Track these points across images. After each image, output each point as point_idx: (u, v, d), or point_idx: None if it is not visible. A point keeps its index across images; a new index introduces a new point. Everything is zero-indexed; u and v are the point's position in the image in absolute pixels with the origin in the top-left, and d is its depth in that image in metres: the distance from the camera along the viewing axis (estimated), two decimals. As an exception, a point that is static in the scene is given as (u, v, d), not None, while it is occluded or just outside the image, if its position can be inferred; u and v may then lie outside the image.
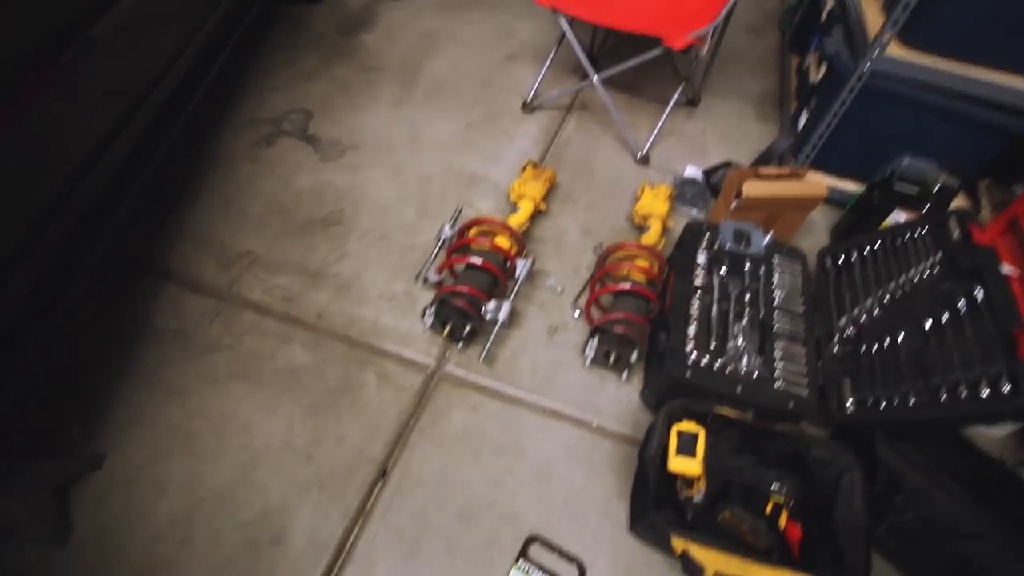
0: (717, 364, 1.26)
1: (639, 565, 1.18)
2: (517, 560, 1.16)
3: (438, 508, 1.22)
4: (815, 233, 1.86)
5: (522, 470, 1.29)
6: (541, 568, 1.15)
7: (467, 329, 1.40)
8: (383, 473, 1.27)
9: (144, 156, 1.38)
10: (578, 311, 1.56)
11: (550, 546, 1.18)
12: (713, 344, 1.30)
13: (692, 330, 1.32)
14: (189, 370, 1.39)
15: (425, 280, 1.47)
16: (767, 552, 1.15)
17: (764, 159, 2.00)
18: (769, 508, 1.18)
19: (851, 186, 1.90)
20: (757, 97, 2.38)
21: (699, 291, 1.39)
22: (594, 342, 1.38)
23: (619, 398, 1.42)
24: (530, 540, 1.19)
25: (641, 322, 1.38)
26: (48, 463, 1.19)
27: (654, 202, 1.73)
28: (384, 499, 1.23)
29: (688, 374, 1.24)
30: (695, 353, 1.27)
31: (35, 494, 1.12)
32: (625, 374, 1.42)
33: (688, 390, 1.25)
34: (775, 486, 1.24)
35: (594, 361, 1.43)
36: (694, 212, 1.86)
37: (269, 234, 1.67)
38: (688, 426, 1.16)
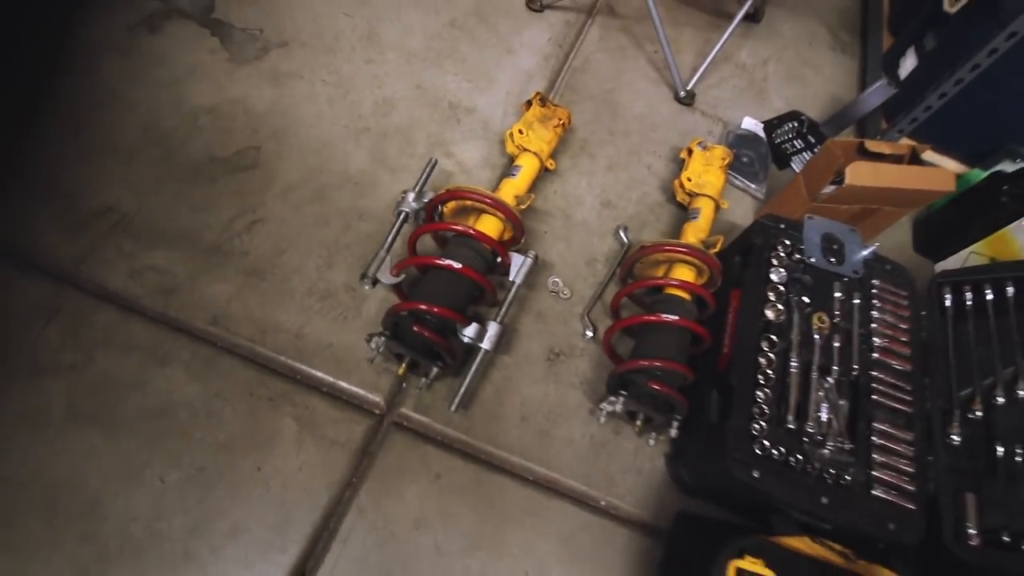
0: (795, 457, 0.87)
1: None
2: None
3: (378, 642, 0.86)
4: (894, 225, 1.41)
5: (501, 577, 0.92)
6: None
7: (434, 372, 0.95)
8: (299, 582, 0.88)
9: None
10: (590, 330, 1.12)
11: None
12: (790, 421, 0.90)
13: (761, 396, 0.91)
14: (8, 403, 0.91)
15: (375, 283, 0.99)
16: None
17: (845, 116, 1.49)
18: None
19: (953, 166, 1.44)
20: (835, 16, 1.81)
21: (772, 332, 0.97)
22: (617, 400, 0.95)
23: (638, 464, 1.04)
24: None
25: (685, 372, 0.96)
26: None
27: (706, 172, 1.23)
28: (299, 625, 0.85)
29: (756, 475, 0.84)
30: (765, 440, 0.87)
31: None
32: (652, 438, 1.02)
33: (749, 492, 0.86)
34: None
35: (612, 414, 1.01)
36: (752, 187, 1.38)
37: (144, 179, 1.12)
38: (752, 565, 0.78)
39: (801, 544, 0.81)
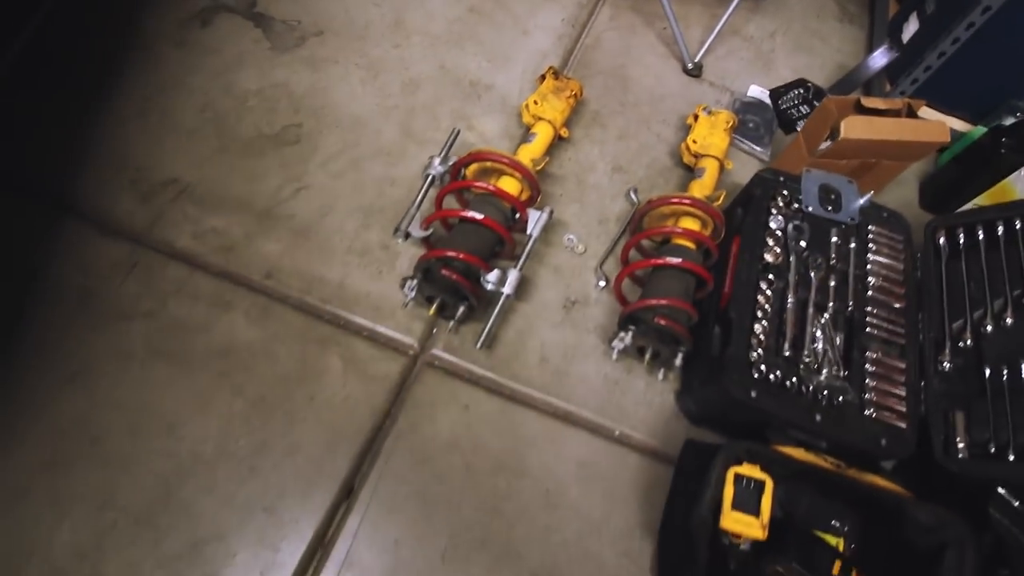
0: (791, 380, 0.96)
1: (665, 624, 0.96)
2: (514, 616, 0.93)
3: (416, 543, 0.97)
4: (901, 184, 1.47)
5: (524, 494, 1.02)
6: (544, 627, 0.92)
7: (460, 311, 1.07)
8: (348, 493, 1.00)
9: None
10: (604, 280, 1.22)
11: (556, 595, 0.95)
12: (786, 350, 0.98)
13: (759, 328, 0.99)
14: (96, 343, 1.06)
15: (407, 236, 1.11)
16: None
17: (850, 81, 1.56)
18: (836, 568, 0.94)
19: (958, 125, 1.48)
20: (843, -11, 1.85)
21: (771, 272, 1.05)
22: (627, 335, 1.05)
23: (649, 399, 1.13)
24: (531, 587, 0.95)
25: (688, 309, 1.05)
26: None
27: (711, 134, 1.32)
28: (348, 529, 0.97)
29: (754, 395, 0.93)
30: (763, 365, 0.96)
31: None
32: (661, 372, 1.12)
33: (748, 413, 0.95)
34: (835, 523, 0.99)
35: (623, 352, 1.11)
36: (757, 149, 1.45)
37: (202, 154, 1.26)
38: (750, 471, 0.87)
39: (795, 452, 0.90)
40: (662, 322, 1.02)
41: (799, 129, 1.50)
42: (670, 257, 1.08)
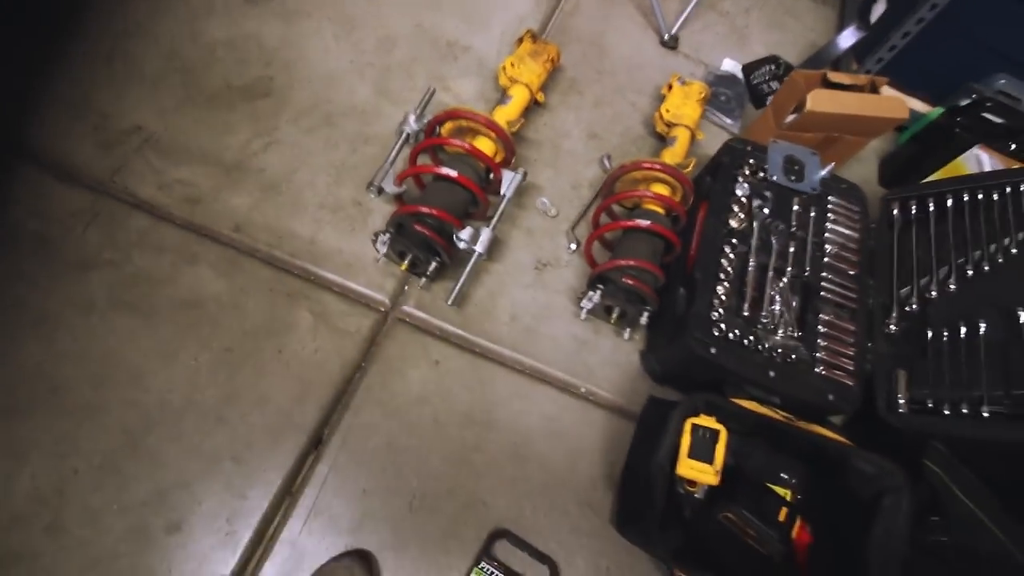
0: (748, 339, 1.00)
1: (623, 568, 1.00)
2: (479, 560, 0.96)
3: (385, 492, 0.99)
4: (862, 161, 1.53)
5: (492, 446, 1.05)
6: (507, 571, 0.96)
7: (432, 266, 1.07)
8: (316, 444, 1.01)
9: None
10: (575, 244, 1.24)
11: (520, 542, 0.98)
12: (746, 311, 1.02)
13: (721, 290, 1.03)
14: (55, 291, 1.03)
15: (380, 191, 1.10)
16: (774, 559, 0.98)
17: (820, 59, 1.59)
18: (783, 515, 0.99)
19: (919, 106, 1.54)
20: (818, -31, 1.88)
21: (735, 237, 1.08)
22: (595, 294, 1.08)
23: (615, 359, 1.16)
24: (496, 535, 0.98)
25: (655, 271, 1.08)
26: None
27: (684, 104, 1.34)
28: (317, 477, 0.98)
29: (714, 351, 0.97)
30: (723, 324, 1.00)
31: None
32: (627, 333, 1.15)
33: (708, 369, 0.99)
34: (784, 475, 1.05)
35: (591, 312, 1.14)
36: (727, 122, 1.48)
37: (169, 103, 1.23)
38: (706, 421, 0.91)
39: (750, 405, 0.94)
40: (629, 282, 1.05)
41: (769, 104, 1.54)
42: (639, 220, 1.10)
